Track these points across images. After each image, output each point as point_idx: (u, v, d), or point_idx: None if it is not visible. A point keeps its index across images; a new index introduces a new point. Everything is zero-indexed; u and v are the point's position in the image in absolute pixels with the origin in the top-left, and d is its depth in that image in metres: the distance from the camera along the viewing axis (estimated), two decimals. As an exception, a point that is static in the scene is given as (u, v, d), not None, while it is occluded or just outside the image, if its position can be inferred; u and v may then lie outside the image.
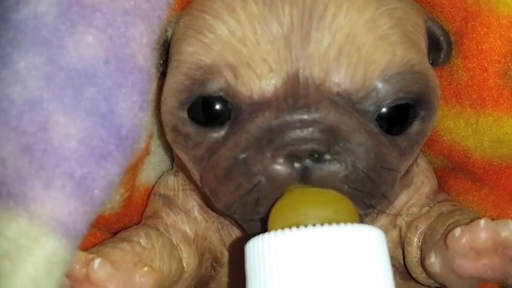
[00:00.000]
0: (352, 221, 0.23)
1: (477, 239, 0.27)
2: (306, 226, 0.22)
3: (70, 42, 0.24)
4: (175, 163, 0.35)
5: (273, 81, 0.26)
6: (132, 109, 0.26)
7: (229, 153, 0.27)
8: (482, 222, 0.27)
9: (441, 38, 0.31)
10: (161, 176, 0.36)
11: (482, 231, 0.27)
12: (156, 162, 0.35)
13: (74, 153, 0.24)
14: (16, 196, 0.23)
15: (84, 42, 0.24)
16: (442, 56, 0.32)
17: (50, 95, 0.23)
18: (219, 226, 0.33)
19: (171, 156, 0.36)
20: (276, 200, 0.26)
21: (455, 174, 0.36)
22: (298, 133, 0.26)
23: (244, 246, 0.24)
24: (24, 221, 0.23)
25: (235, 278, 0.33)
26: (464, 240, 0.27)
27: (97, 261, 0.26)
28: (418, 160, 0.34)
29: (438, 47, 0.31)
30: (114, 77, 0.25)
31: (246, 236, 0.32)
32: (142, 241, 0.30)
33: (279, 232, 0.22)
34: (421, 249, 0.32)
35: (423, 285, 0.34)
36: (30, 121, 0.23)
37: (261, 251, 0.23)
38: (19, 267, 0.22)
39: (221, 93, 0.27)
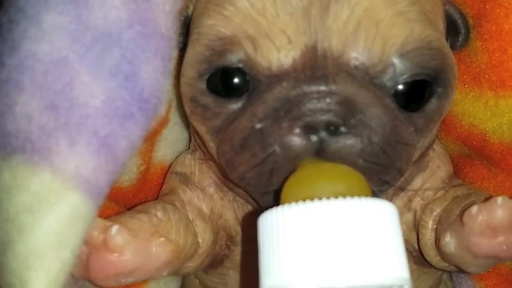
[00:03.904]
0: (365, 196, 0.23)
1: (494, 216, 0.27)
2: (319, 199, 0.22)
3: (96, 3, 0.24)
4: (192, 142, 0.36)
5: (291, 53, 0.26)
6: (154, 73, 0.26)
7: (246, 123, 0.27)
8: (499, 199, 0.27)
9: (459, 21, 0.31)
10: (177, 155, 0.36)
11: (499, 209, 0.27)
12: (173, 140, 0.35)
13: (98, 112, 0.24)
14: (40, 151, 0.23)
15: (109, 3, 0.25)
16: (460, 39, 0.32)
17: (75, 54, 0.24)
18: (235, 205, 0.34)
19: (188, 136, 0.37)
20: (290, 172, 0.26)
21: (472, 161, 0.36)
22: (315, 104, 0.26)
23: (258, 219, 0.24)
24: (47, 175, 0.23)
25: (250, 256, 0.34)
26: (481, 217, 0.27)
27: (115, 228, 0.26)
28: (434, 145, 0.35)
29: (456, 31, 0.32)
30: (138, 41, 0.25)
31: (260, 214, 0.33)
32: (159, 214, 0.30)
33: (293, 205, 0.23)
34: (436, 231, 0.32)
35: (436, 269, 0.34)
36: (56, 79, 0.24)
37: (274, 223, 0.23)
38: (41, 220, 0.23)
39: (240, 65, 0.27)
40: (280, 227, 0.23)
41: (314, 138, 0.26)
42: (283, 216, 0.23)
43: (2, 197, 0.23)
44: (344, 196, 0.22)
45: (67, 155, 0.23)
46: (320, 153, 0.26)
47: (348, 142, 0.26)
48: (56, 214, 0.23)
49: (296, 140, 0.26)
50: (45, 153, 0.23)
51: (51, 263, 0.22)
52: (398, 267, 0.22)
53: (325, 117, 0.26)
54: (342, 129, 0.26)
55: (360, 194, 0.23)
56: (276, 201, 0.28)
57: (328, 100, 0.26)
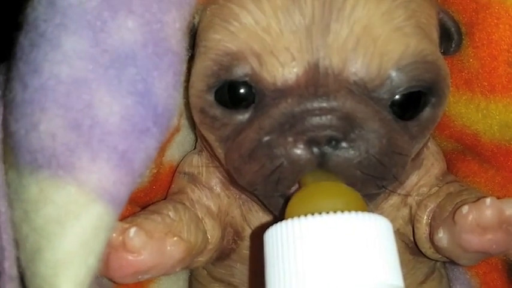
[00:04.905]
0: (361, 211, 0.24)
1: (483, 215, 0.29)
2: (320, 214, 0.24)
3: (113, 27, 0.26)
4: (199, 143, 0.37)
5: (295, 70, 0.28)
6: (167, 89, 0.27)
7: (254, 135, 0.28)
8: (488, 200, 0.29)
9: (452, 29, 0.33)
10: (185, 155, 0.37)
11: (488, 209, 0.29)
12: (180, 141, 0.37)
13: (117, 128, 0.25)
14: (65, 166, 0.24)
15: (124, 26, 0.26)
16: (453, 45, 0.33)
17: (95, 75, 0.25)
18: (240, 202, 0.35)
19: (194, 137, 0.38)
20: (294, 181, 0.28)
21: (464, 156, 0.37)
22: (317, 120, 0.27)
23: (264, 234, 0.26)
24: (72, 188, 0.24)
25: (254, 250, 0.35)
26: (471, 216, 0.29)
27: (133, 230, 0.28)
28: (429, 143, 0.36)
29: (449, 37, 0.33)
30: (151, 59, 0.26)
31: (265, 212, 0.34)
32: (171, 214, 0.32)
33: (296, 219, 0.24)
34: (430, 226, 0.34)
35: (431, 259, 0.36)
36: (77, 99, 0.25)
37: (279, 237, 0.24)
38: (68, 230, 0.24)
39: (246, 79, 0.28)
40: (284, 241, 0.24)
41: (316, 151, 0.27)
42: (288, 230, 0.24)
43: (30, 209, 0.25)
44: (343, 211, 0.24)
45: (90, 170, 0.25)
46: (322, 165, 0.28)
47: (347, 155, 0.27)
48: (82, 224, 0.24)
49: (301, 153, 0.27)
50: (69, 168, 0.24)
51: (79, 270, 0.24)
52: (392, 274, 0.23)
53: (327, 133, 0.27)
54: (343, 144, 0.27)
55: (357, 209, 0.24)
56: (282, 203, 0.30)
57: (329, 116, 0.27)
